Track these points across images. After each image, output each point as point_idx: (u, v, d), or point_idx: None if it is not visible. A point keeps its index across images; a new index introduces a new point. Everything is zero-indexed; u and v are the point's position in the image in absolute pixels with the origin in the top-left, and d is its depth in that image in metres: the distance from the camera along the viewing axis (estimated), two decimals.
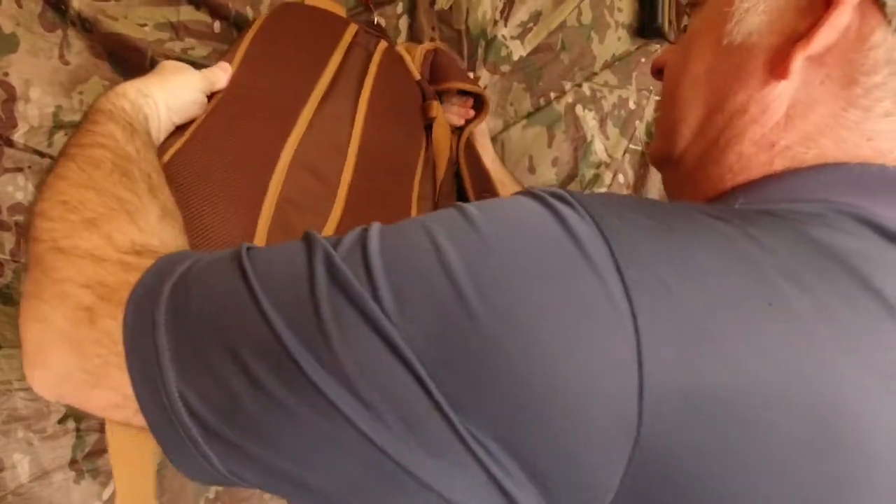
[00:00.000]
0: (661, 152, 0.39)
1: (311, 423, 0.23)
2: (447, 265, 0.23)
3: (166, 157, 0.45)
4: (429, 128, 0.66)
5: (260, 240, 0.46)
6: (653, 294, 0.22)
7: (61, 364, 0.28)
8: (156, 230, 0.34)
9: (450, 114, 0.72)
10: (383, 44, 0.65)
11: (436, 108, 0.65)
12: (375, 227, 0.26)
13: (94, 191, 0.34)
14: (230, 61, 0.56)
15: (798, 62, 0.29)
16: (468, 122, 0.74)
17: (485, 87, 0.84)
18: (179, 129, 0.49)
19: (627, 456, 0.22)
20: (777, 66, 0.30)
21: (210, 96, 0.53)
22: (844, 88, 0.29)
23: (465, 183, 0.70)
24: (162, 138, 0.45)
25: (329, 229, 0.50)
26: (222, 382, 0.24)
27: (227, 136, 0.49)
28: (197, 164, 0.45)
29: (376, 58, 0.62)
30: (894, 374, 0.24)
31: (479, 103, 0.74)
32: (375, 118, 0.58)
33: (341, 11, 0.67)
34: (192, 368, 0.25)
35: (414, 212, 0.56)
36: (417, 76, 0.66)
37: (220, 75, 0.51)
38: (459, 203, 0.26)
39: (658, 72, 0.40)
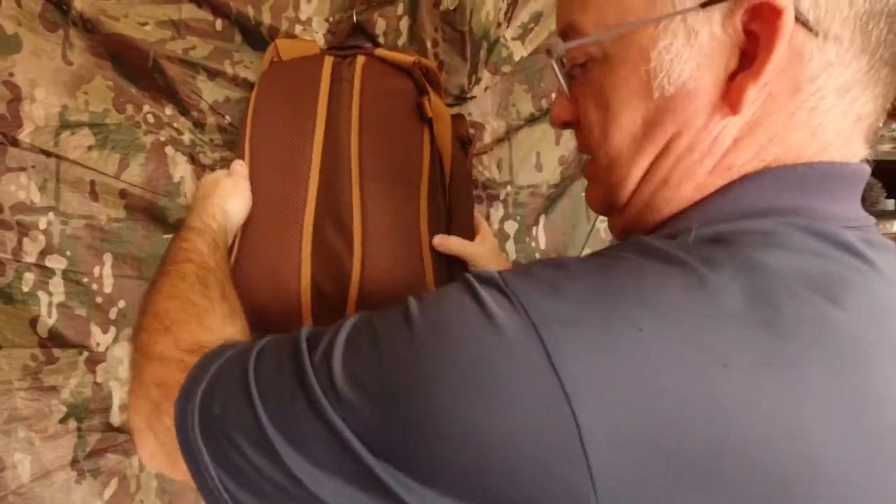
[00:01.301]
0: (603, 202, 0.38)
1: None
2: (388, 373, 0.27)
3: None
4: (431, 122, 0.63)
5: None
6: (586, 371, 0.24)
7: (151, 445, 0.36)
8: (218, 327, 0.41)
9: None
10: (359, 62, 0.63)
11: (427, 106, 0.61)
12: (340, 342, 0.30)
13: (177, 300, 0.42)
14: (241, 151, 0.60)
15: (751, 95, 0.29)
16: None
17: (486, 89, 0.84)
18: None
19: None
20: (725, 103, 0.30)
21: None
22: (791, 98, 0.30)
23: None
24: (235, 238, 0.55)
25: (356, 272, 0.54)
26: (241, 469, 0.30)
27: (251, 236, 0.57)
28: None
29: (356, 83, 0.61)
30: (848, 406, 0.25)
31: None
32: (369, 145, 0.58)
33: (314, 48, 0.66)
34: (223, 462, 0.31)
35: (424, 230, 0.57)
36: (410, 59, 0.63)
37: (241, 170, 0.59)
38: (410, 299, 0.29)
39: (564, 124, 0.39)
